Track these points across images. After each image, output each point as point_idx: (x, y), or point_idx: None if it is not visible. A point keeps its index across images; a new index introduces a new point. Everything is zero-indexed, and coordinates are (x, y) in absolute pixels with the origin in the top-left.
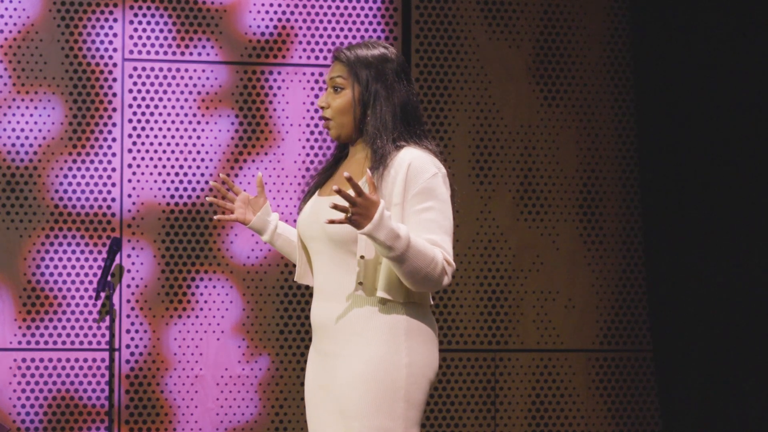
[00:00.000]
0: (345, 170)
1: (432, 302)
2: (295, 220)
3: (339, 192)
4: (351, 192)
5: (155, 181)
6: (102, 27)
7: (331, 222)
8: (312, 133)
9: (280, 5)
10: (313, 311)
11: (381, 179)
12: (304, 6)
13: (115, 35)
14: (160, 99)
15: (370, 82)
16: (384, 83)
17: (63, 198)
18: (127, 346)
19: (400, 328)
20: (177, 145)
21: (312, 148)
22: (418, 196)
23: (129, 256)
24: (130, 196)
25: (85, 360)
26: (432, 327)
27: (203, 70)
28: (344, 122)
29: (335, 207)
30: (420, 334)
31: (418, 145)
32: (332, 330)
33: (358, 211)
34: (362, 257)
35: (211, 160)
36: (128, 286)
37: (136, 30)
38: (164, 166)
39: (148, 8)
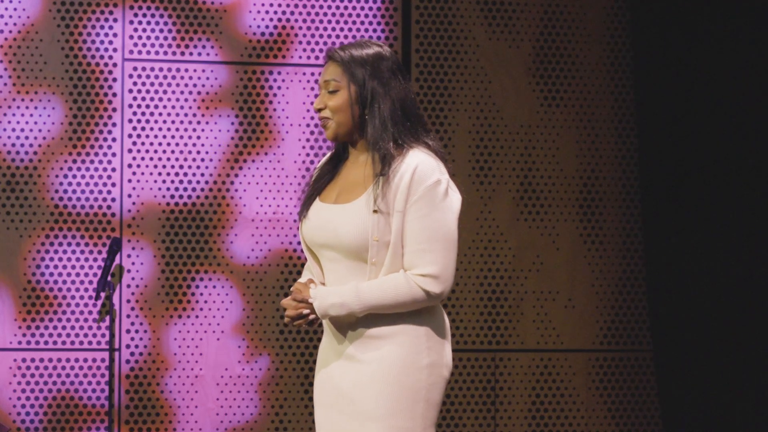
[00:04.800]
0: (349, 175)
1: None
2: (294, 220)
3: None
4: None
5: (155, 181)
6: (102, 27)
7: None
8: (312, 133)
9: (280, 5)
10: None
11: (387, 184)
12: (304, 6)
13: (115, 35)
14: (160, 99)
15: (367, 80)
16: (380, 81)
17: (63, 198)
18: (127, 346)
19: (421, 329)
20: (177, 145)
21: (312, 148)
22: (417, 204)
23: (129, 256)
24: (130, 196)
25: (85, 360)
26: (447, 325)
27: (203, 70)
28: (342, 120)
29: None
30: (439, 334)
31: (423, 146)
32: (352, 334)
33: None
34: (374, 263)
35: (211, 160)
36: (128, 286)
37: (136, 30)
38: (164, 166)
39: (148, 8)
